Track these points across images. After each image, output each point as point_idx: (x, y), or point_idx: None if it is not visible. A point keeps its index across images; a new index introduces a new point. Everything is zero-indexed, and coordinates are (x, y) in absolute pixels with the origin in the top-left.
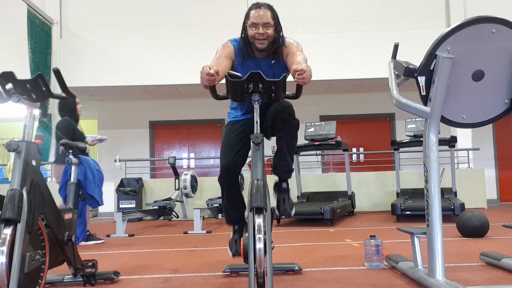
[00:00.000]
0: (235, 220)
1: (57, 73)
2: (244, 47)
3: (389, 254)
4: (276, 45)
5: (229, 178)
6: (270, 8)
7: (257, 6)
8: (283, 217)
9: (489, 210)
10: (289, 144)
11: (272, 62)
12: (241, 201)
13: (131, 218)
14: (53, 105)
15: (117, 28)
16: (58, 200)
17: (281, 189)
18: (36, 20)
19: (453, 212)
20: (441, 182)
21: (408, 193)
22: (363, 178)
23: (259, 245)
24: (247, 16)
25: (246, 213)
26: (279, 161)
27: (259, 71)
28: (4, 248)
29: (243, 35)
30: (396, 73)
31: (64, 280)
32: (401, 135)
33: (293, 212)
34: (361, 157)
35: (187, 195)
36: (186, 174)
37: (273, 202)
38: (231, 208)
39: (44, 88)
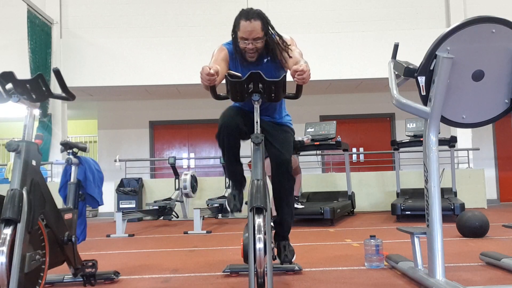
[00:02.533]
0: (235, 174)
1: (57, 73)
2: (236, 51)
3: (389, 254)
4: (268, 48)
5: (228, 132)
6: (260, 17)
7: (246, 17)
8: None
9: (489, 210)
10: (288, 203)
11: (265, 60)
12: (239, 160)
13: (131, 218)
14: (53, 105)
15: (117, 28)
16: (58, 200)
17: (282, 237)
18: (36, 20)
19: (453, 212)
20: (441, 182)
21: (408, 193)
22: (363, 178)
23: (259, 245)
24: (236, 25)
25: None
26: (281, 223)
27: (259, 71)
28: (4, 248)
29: (233, 37)
30: (396, 73)
31: (64, 280)
32: (401, 135)
33: (293, 258)
34: (361, 157)
35: (187, 195)
36: (186, 174)
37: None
38: (232, 163)
39: (44, 88)
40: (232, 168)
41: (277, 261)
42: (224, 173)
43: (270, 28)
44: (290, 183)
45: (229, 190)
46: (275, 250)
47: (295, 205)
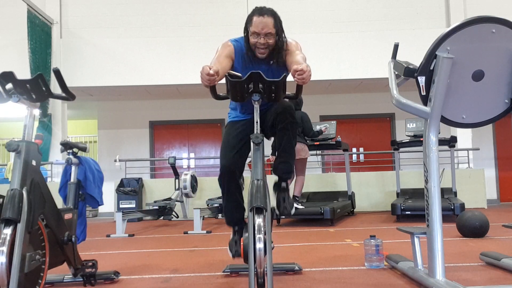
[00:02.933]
0: (235, 221)
1: (57, 73)
2: (245, 48)
3: (389, 254)
4: (277, 50)
5: (229, 178)
6: (273, 14)
7: (260, 13)
8: (283, 217)
9: (489, 210)
10: (290, 145)
11: (271, 62)
12: (241, 202)
13: (131, 218)
14: (53, 105)
15: (117, 28)
16: (58, 200)
17: (281, 188)
18: (36, 20)
19: (453, 212)
20: (441, 182)
21: (408, 193)
22: (363, 178)
23: (259, 245)
24: (249, 21)
25: (246, 214)
26: (280, 163)
27: (259, 71)
28: (4, 248)
29: (245, 35)
30: (396, 73)
31: (64, 280)
32: (401, 135)
33: (293, 210)
34: (361, 157)
35: (187, 195)
36: (186, 174)
37: (272, 201)
38: (231, 209)
39: (44, 88)
40: (232, 214)
41: (277, 260)
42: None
43: (281, 28)
44: (293, 125)
45: (231, 237)
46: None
47: (296, 206)
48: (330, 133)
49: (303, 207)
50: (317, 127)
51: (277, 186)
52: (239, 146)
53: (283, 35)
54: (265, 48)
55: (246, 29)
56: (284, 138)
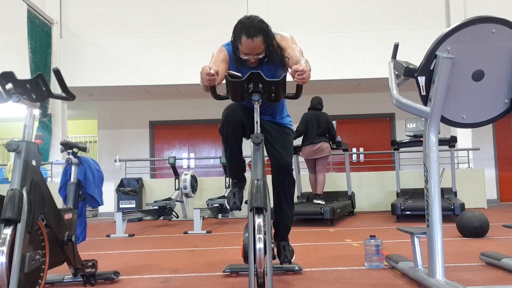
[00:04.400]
0: (236, 171)
1: (57, 73)
2: (235, 54)
3: (389, 254)
4: (268, 54)
5: (232, 125)
6: (261, 31)
7: (248, 34)
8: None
9: (489, 210)
10: (288, 205)
11: (265, 60)
12: (241, 155)
13: (131, 218)
14: (53, 105)
15: (117, 28)
16: (58, 200)
17: (281, 237)
18: (36, 20)
19: (453, 212)
20: (441, 182)
21: (408, 193)
22: (363, 178)
23: (259, 245)
24: (237, 38)
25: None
26: (280, 224)
27: (259, 71)
28: (4, 248)
29: (232, 43)
30: (396, 73)
31: (64, 280)
32: (401, 135)
33: (293, 258)
34: (361, 157)
35: (187, 195)
36: (186, 174)
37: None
38: (233, 158)
39: (44, 88)
40: (234, 163)
41: (277, 260)
42: (225, 173)
43: (270, 36)
44: (291, 186)
45: (229, 189)
46: (275, 249)
47: (319, 202)
48: None
49: (324, 202)
50: (338, 138)
51: (277, 235)
52: (242, 109)
53: (272, 35)
54: (256, 60)
55: (234, 40)
56: (282, 200)
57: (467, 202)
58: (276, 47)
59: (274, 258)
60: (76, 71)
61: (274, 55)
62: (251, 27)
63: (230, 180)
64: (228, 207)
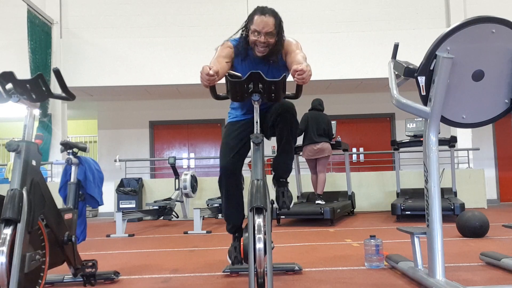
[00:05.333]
0: (236, 224)
1: (57, 73)
2: (244, 47)
3: (389, 254)
4: (277, 50)
5: (229, 178)
6: (275, 14)
7: (261, 12)
8: (281, 213)
9: (489, 210)
10: (289, 146)
11: (271, 61)
12: (241, 204)
13: (131, 218)
14: (53, 105)
15: (117, 28)
16: (58, 200)
17: (280, 182)
18: (36, 20)
19: (453, 212)
20: (441, 182)
21: (408, 193)
22: (363, 178)
23: (259, 245)
24: (250, 20)
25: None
26: (280, 163)
27: (259, 71)
28: (4, 248)
29: (243, 34)
30: (396, 73)
31: (64, 280)
32: (401, 135)
33: (291, 204)
34: (361, 157)
35: (187, 195)
36: (186, 174)
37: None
38: (232, 211)
39: (44, 88)
40: (233, 217)
41: (277, 259)
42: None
43: (281, 26)
44: (294, 125)
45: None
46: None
47: (319, 202)
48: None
49: (324, 202)
50: (338, 138)
51: (276, 180)
52: (238, 147)
53: (283, 35)
54: (265, 47)
55: (246, 27)
56: (284, 138)
57: (467, 202)
58: (284, 44)
59: (273, 203)
60: (76, 71)
61: (280, 56)
62: (264, 8)
63: (232, 233)
64: (230, 261)
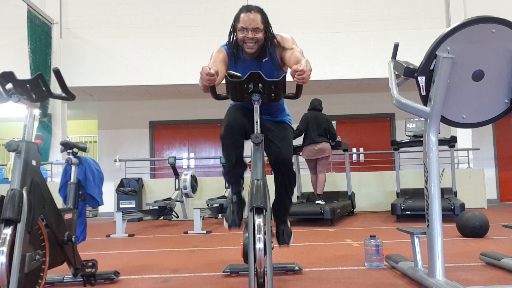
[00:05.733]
0: (236, 182)
1: (57, 73)
2: (233, 50)
3: (389, 254)
4: (266, 46)
5: (234, 131)
6: (260, 11)
7: (247, 9)
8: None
9: (489, 210)
10: (288, 194)
11: (264, 61)
12: (242, 166)
13: (131, 218)
14: (53, 105)
15: (117, 28)
16: (58, 200)
17: (280, 221)
18: (36, 20)
19: (453, 212)
20: (441, 182)
21: (408, 193)
22: (363, 178)
23: (259, 245)
24: (236, 19)
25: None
26: (280, 208)
27: (259, 71)
28: (4, 248)
29: (231, 38)
30: (396, 73)
31: (64, 280)
32: (401, 135)
33: (291, 241)
34: (361, 157)
35: (187, 195)
36: (186, 174)
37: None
38: (231, 172)
39: (44, 88)
40: (234, 172)
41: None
42: (225, 181)
43: (268, 22)
44: (292, 180)
45: (229, 191)
46: (274, 231)
47: (319, 202)
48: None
49: (324, 202)
50: (338, 138)
51: (277, 218)
52: (243, 115)
53: (271, 30)
54: (254, 43)
55: (234, 28)
56: (280, 189)
57: (467, 202)
58: (276, 47)
59: (273, 236)
60: (76, 71)
61: (274, 55)
62: (249, 6)
63: (230, 194)
64: (226, 226)
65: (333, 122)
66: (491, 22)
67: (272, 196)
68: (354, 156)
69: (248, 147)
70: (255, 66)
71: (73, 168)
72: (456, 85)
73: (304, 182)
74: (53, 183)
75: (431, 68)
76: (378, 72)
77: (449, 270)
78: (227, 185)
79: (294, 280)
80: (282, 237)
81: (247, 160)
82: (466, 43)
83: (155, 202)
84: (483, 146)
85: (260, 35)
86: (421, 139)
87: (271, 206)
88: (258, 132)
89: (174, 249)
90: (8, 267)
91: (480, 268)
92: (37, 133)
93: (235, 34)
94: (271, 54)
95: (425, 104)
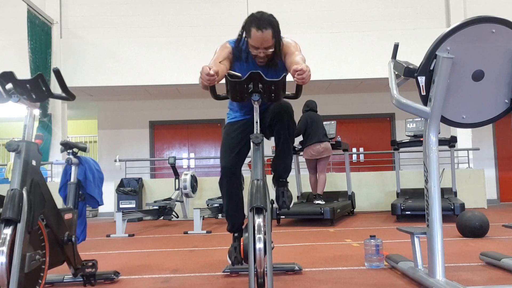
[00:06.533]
0: (236, 224)
1: (57, 73)
2: (243, 50)
3: (389, 254)
4: (276, 55)
5: (230, 179)
6: (272, 25)
7: (258, 26)
8: (281, 213)
9: (489, 210)
10: (288, 145)
11: (271, 65)
12: (241, 205)
13: (131, 218)
14: (53, 105)
15: (117, 28)
16: (58, 200)
17: (280, 182)
18: (36, 20)
19: (453, 212)
20: (441, 182)
21: (408, 193)
22: (363, 178)
23: (259, 245)
24: (247, 30)
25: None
26: (279, 164)
27: (259, 71)
28: (4, 248)
29: (240, 43)
30: (396, 73)
31: (64, 280)
32: (401, 135)
33: (291, 204)
34: (361, 157)
35: (187, 195)
36: (186, 174)
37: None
38: (232, 211)
39: (44, 88)
40: (234, 217)
41: (276, 257)
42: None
43: (279, 32)
44: (291, 126)
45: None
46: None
47: (319, 202)
48: (330, 133)
49: (324, 202)
50: (338, 138)
51: (276, 180)
52: (238, 148)
53: (281, 38)
54: (264, 58)
55: (243, 33)
56: (281, 139)
57: (467, 202)
58: (283, 44)
59: (272, 203)
60: (76, 71)
61: (279, 57)
62: (261, 20)
63: (231, 231)
64: (229, 262)
65: (333, 122)
66: (491, 22)
67: (272, 196)
68: (354, 156)
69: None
70: (262, 68)
71: (73, 168)
72: (456, 85)
73: (304, 182)
74: (53, 183)
75: (431, 68)
76: (378, 72)
77: (449, 270)
78: (227, 222)
79: (294, 280)
80: (283, 199)
81: (247, 160)
82: (466, 43)
83: (155, 202)
84: (483, 146)
85: (270, 51)
86: (421, 139)
87: (271, 206)
88: (258, 132)
89: (174, 249)
90: (8, 267)
91: (480, 268)
92: (37, 133)
93: (246, 41)
94: (277, 56)
95: (425, 104)
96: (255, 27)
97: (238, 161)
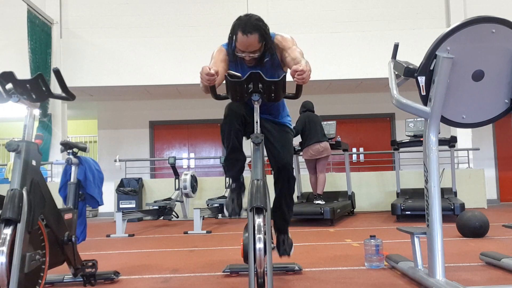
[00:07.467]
0: (233, 174)
1: (57, 73)
2: (233, 55)
3: (389, 254)
4: (265, 53)
5: (234, 119)
6: (258, 29)
7: (243, 30)
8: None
9: (489, 210)
10: (288, 204)
11: (265, 61)
12: (240, 155)
13: (131, 218)
14: (53, 105)
15: (117, 28)
16: (58, 200)
17: (281, 231)
18: (36, 20)
19: (453, 212)
20: (441, 182)
21: (408, 193)
22: (363, 178)
23: (259, 245)
24: (234, 33)
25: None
26: (278, 218)
27: (259, 71)
28: (4, 248)
29: (231, 44)
30: (396, 73)
31: (64, 280)
32: (401, 135)
33: (292, 251)
34: (361, 157)
35: (187, 195)
36: (186, 174)
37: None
38: (231, 160)
39: (44, 88)
40: (234, 161)
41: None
42: (224, 173)
43: (267, 35)
44: (291, 184)
45: (228, 194)
46: (274, 241)
47: (319, 202)
48: (330, 133)
49: (324, 202)
50: (338, 138)
51: (277, 228)
52: (242, 111)
53: (270, 40)
54: (252, 60)
55: (231, 37)
56: (281, 198)
57: (467, 202)
58: (276, 47)
59: (273, 248)
60: (76, 71)
61: (274, 56)
62: (247, 24)
63: (230, 182)
64: (226, 214)
65: (333, 122)
66: (491, 22)
67: (272, 196)
68: (354, 156)
69: (248, 147)
70: (257, 67)
71: (73, 168)
72: (456, 85)
73: (304, 182)
74: (53, 183)
75: (431, 68)
76: (378, 72)
77: (449, 270)
78: (226, 172)
79: (294, 280)
80: (283, 247)
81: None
82: (466, 43)
83: (155, 202)
84: (483, 146)
85: (257, 53)
86: (421, 139)
87: (271, 206)
88: (258, 132)
89: (174, 249)
90: (8, 267)
91: (480, 268)
92: (37, 133)
93: (235, 43)
94: (272, 54)
95: (425, 104)
96: (241, 31)
97: (244, 108)
